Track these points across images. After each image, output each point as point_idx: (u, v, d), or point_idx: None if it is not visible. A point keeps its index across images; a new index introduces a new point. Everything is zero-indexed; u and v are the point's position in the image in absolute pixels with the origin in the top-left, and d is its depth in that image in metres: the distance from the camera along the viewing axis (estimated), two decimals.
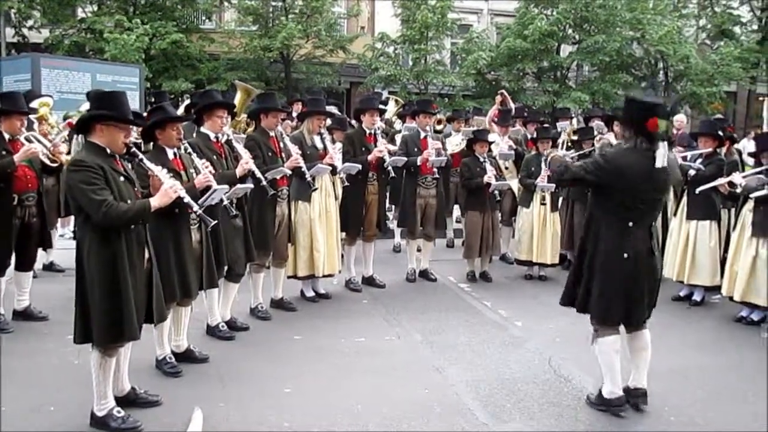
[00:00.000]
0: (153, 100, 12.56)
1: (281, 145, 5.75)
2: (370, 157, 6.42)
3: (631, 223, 3.88)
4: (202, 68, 18.53)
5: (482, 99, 19.14)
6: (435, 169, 6.88)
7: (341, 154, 6.37)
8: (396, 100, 10.91)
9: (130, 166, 3.80)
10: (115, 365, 3.71)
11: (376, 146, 6.52)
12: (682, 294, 6.66)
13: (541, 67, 20.31)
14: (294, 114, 8.02)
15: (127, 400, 3.91)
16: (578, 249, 4.24)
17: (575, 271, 4.18)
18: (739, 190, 5.87)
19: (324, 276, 6.29)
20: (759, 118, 20.53)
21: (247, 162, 5.00)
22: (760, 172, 5.83)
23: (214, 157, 4.85)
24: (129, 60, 15.52)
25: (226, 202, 4.59)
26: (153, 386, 4.16)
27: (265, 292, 5.94)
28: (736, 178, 5.89)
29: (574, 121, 9.98)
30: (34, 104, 6.50)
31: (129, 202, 3.54)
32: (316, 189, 5.91)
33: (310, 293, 6.39)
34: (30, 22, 18.68)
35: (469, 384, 4.48)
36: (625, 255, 3.86)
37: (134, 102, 11.68)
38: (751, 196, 5.71)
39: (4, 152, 5.07)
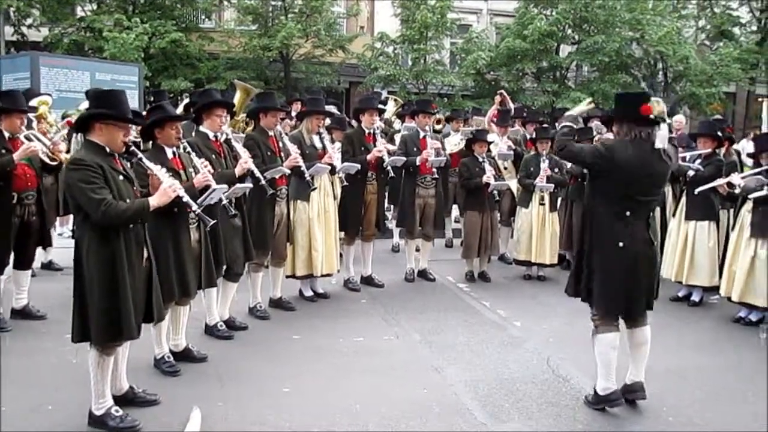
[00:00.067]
0: (152, 99, 12.54)
1: (280, 144, 5.75)
2: (369, 157, 6.42)
3: (628, 213, 3.90)
4: (202, 67, 18.53)
5: (481, 99, 19.17)
6: (434, 169, 6.88)
7: (340, 153, 6.37)
8: (395, 100, 10.91)
9: (129, 165, 3.80)
10: (113, 364, 3.70)
11: (375, 146, 6.51)
12: (680, 294, 6.66)
13: (541, 67, 20.33)
14: (293, 113, 8.02)
15: (126, 399, 3.90)
16: (578, 242, 4.25)
17: (578, 263, 4.20)
18: (737, 191, 5.88)
19: (322, 275, 6.29)
20: (758, 119, 20.51)
21: (246, 161, 4.99)
22: (758, 173, 5.83)
23: (213, 156, 4.84)
24: (128, 59, 15.53)
25: (225, 202, 4.59)
26: (151, 385, 4.16)
27: (264, 292, 5.95)
28: (735, 178, 5.90)
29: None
30: (33, 103, 6.49)
31: (128, 201, 3.54)
32: (315, 188, 5.91)
33: (309, 293, 6.39)
34: (29, 21, 18.67)
35: (468, 384, 4.48)
36: (621, 244, 3.88)
37: (133, 101, 11.68)
38: (750, 196, 5.72)
39: (3, 150, 5.06)
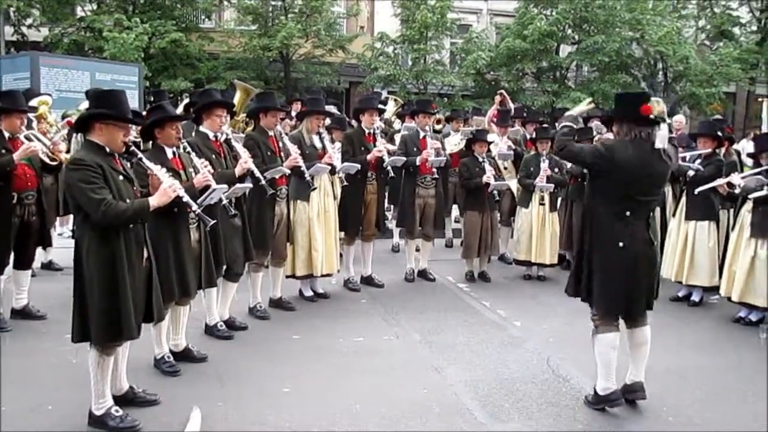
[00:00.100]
0: (152, 99, 12.55)
1: (280, 144, 5.75)
2: (369, 157, 6.42)
3: (628, 213, 3.90)
4: (202, 67, 18.53)
5: (481, 99, 19.18)
6: (434, 169, 6.88)
7: (340, 153, 6.37)
8: (395, 100, 10.92)
9: (129, 165, 3.80)
10: (113, 364, 3.70)
11: (375, 146, 6.52)
12: (680, 294, 6.66)
13: (541, 67, 20.33)
14: (293, 113, 8.02)
15: (126, 399, 3.90)
16: (578, 242, 4.25)
17: (578, 263, 4.20)
18: (737, 191, 5.88)
19: (322, 276, 6.29)
20: (758, 119, 20.51)
21: (246, 161, 4.99)
22: (758, 173, 5.83)
23: (213, 156, 4.85)
24: (128, 59, 15.53)
25: (225, 202, 4.59)
26: (151, 385, 4.16)
27: (264, 292, 5.94)
28: (735, 178, 5.90)
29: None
30: (33, 103, 6.49)
31: (128, 201, 3.54)
32: (315, 188, 5.91)
33: (309, 293, 6.39)
34: (29, 21, 18.67)
35: (468, 384, 4.48)
36: (621, 244, 3.88)
37: (133, 101, 11.68)
38: (750, 196, 5.72)
39: (3, 150, 5.06)
